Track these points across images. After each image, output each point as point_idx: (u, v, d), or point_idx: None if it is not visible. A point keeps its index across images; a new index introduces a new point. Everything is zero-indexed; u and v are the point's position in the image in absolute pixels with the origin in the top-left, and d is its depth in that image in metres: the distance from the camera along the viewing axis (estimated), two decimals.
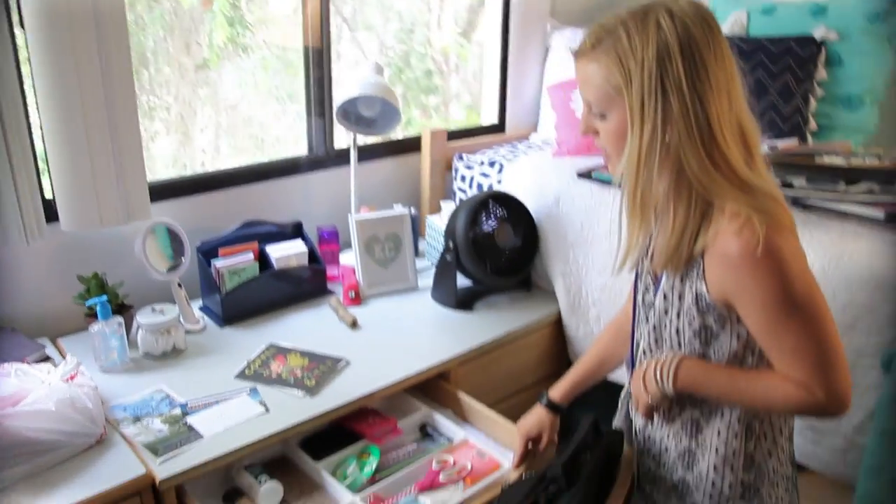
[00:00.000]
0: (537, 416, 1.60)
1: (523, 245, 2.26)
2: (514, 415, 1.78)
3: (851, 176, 2.06)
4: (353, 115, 2.24)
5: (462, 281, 2.24)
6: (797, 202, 2.00)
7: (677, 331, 1.24)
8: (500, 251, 2.21)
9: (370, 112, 2.26)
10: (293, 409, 1.68)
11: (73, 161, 1.81)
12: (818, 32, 2.50)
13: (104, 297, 1.78)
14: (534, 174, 2.35)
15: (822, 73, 2.51)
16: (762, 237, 1.06)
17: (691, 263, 1.18)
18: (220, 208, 2.23)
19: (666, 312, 1.25)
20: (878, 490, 1.67)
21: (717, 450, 1.27)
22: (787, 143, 2.32)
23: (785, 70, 2.45)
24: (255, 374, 1.81)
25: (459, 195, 2.59)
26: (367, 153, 2.49)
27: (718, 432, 1.27)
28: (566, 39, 2.83)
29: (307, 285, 2.19)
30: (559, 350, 2.29)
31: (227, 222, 2.18)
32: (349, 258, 2.32)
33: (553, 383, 1.60)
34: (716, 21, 1.11)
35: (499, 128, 2.93)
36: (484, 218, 2.20)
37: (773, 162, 2.07)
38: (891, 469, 1.66)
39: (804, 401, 1.13)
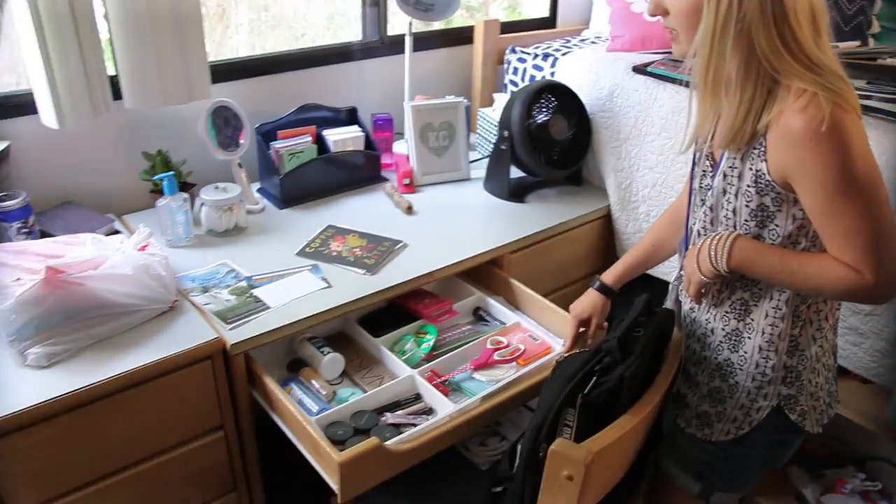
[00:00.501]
0: (590, 299, 1.66)
1: (576, 138, 2.25)
2: (562, 305, 1.84)
3: None
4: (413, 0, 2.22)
5: (514, 173, 2.25)
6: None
7: (734, 210, 1.26)
8: (554, 143, 2.21)
9: None
10: (354, 285, 1.74)
11: (137, 39, 1.82)
12: None
13: (171, 173, 1.83)
14: (588, 67, 2.32)
15: None
16: (827, 114, 1.08)
17: (753, 142, 1.19)
18: (276, 92, 2.25)
19: (724, 192, 1.27)
20: None
21: (763, 331, 1.31)
22: (848, 44, 2.27)
23: None
24: (316, 252, 1.86)
25: (511, 88, 2.58)
26: (419, 42, 2.46)
27: (766, 314, 1.30)
28: None
29: (362, 171, 2.22)
30: (607, 245, 2.31)
31: (283, 106, 2.19)
32: (402, 146, 2.33)
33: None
34: None
35: (550, 21, 2.88)
36: (539, 109, 2.20)
37: None
38: None
39: (854, 283, 1.15)
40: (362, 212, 2.09)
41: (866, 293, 1.17)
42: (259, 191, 2.15)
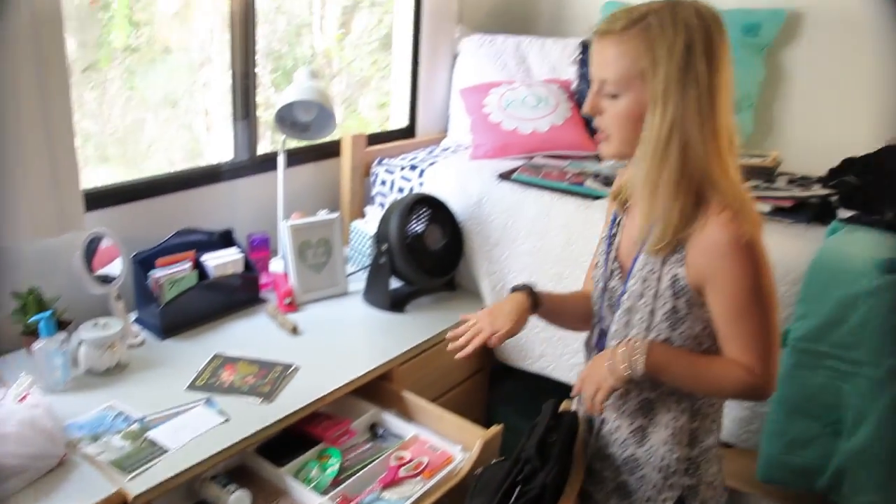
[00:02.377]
0: (509, 307, 1.54)
1: (449, 245, 2.36)
2: (451, 407, 1.93)
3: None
4: (288, 120, 2.27)
5: (392, 283, 2.32)
6: None
7: (651, 312, 1.33)
8: (430, 252, 2.31)
9: (307, 117, 2.30)
10: (252, 415, 1.72)
11: (2, 168, 1.75)
12: None
13: (47, 313, 1.74)
14: (455, 176, 2.46)
15: None
16: (748, 231, 1.20)
17: (675, 248, 1.28)
18: (148, 218, 2.20)
19: (641, 296, 1.34)
20: (778, 451, 1.91)
21: (667, 425, 1.39)
22: None
23: None
24: (207, 384, 1.82)
25: (380, 200, 2.67)
26: (288, 158, 2.50)
27: (669, 409, 1.39)
28: (474, 45, 2.96)
29: (242, 294, 2.21)
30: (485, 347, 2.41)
31: (156, 232, 2.16)
32: (279, 265, 2.35)
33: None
34: (726, 28, 1.23)
35: (409, 131, 3.02)
36: (414, 220, 2.29)
37: None
38: (789, 432, 1.90)
39: (747, 384, 1.27)
40: (247, 336, 2.07)
41: (757, 392, 1.30)
42: (136, 321, 2.08)
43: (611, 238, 1.45)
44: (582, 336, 2.03)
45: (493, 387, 2.60)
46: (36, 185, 1.81)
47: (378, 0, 2.73)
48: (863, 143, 2.41)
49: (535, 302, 1.54)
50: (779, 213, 2.12)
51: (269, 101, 2.55)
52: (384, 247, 2.23)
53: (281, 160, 2.33)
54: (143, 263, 2.05)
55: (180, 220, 2.25)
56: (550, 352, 2.30)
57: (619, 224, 1.43)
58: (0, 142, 1.73)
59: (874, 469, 1.80)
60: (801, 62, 2.81)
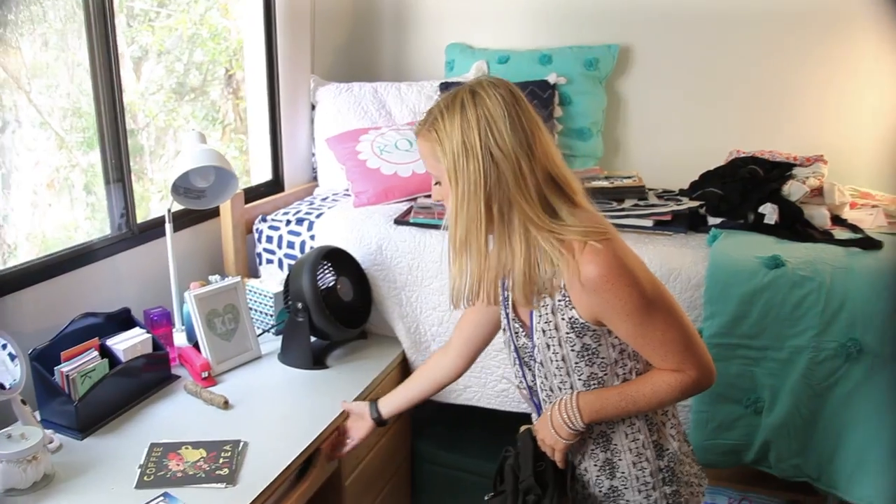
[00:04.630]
0: (366, 428, 1.89)
1: (359, 295, 2.34)
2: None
3: (616, 195, 2.51)
4: (182, 188, 2.13)
5: None
6: None
7: (563, 358, 1.42)
8: (343, 304, 2.27)
9: (204, 182, 2.17)
10: (222, 502, 1.59)
11: None
12: (551, 77, 2.97)
13: None
14: (348, 226, 2.44)
15: (558, 111, 2.98)
16: (609, 256, 1.30)
17: (556, 296, 1.38)
18: (26, 309, 1.96)
19: (548, 347, 1.44)
20: (706, 437, 2.11)
21: (629, 449, 1.49)
22: None
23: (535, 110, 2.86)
24: (158, 478, 1.66)
25: (267, 257, 2.57)
26: (157, 226, 2.35)
27: (625, 435, 1.48)
28: (331, 94, 2.96)
29: (154, 375, 2.03)
30: None
31: (34, 324, 1.95)
32: (181, 338, 2.20)
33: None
34: (517, 93, 1.36)
35: (276, 184, 2.94)
36: (320, 275, 2.25)
37: None
38: (715, 418, 2.10)
39: (684, 384, 1.39)
40: (175, 419, 1.91)
41: (696, 386, 1.41)
42: (42, 423, 1.84)
43: (504, 300, 1.54)
44: (503, 362, 2.16)
45: (415, 427, 2.63)
46: None
47: (167, 48, 2.63)
48: (694, 155, 2.75)
49: (380, 421, 1.87)
50: (660, 225, 2.33)
51: (82, 165, 2.33)
52: (299, 305, 2.16)
53: (169, 228, 2.18)
54: (41, 359, 1.83)
55: (63, 306, 2.03)
56: (475, 382, 2.34)
57: (507, 287, 1.51)
58: None
59: (794, 436, 2.04)
60: (634, 89, 3.12)
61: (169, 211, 2.16)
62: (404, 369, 2.39)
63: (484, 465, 2.55)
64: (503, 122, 1.31)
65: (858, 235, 2.23)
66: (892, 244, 2.18)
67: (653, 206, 2.44)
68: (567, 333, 1.39)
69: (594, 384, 1.43)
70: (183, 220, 2.47)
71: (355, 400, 2.02)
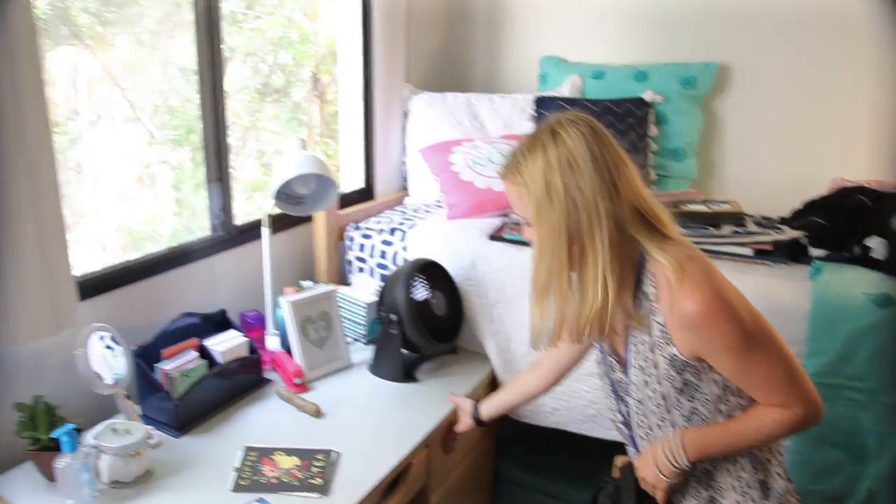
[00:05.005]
0: (467, 423, 1.96)
1: (451, 309, 2.32)
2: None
3: (713, 220, 2.43)
4: (282, 193, 2.15)
5: None
6: None
7: (663, 396, 1.37)
8: (437, 319, 2.25)
9: (305, 189, 2.19)
10: None
11: None
12: (647, 95, 2.90)
13: (70, 427, 1.53)
14: (441, 239, 2.42)
15: (653, 129, 2.91)
16: (707, 291, 1.26)
17: (654, 332, 1.34)
18: (129, 304, 2.00)
19: (646, 384, 1.38)
20: (806, 482, 2.01)
21: (733, 487, 1.42)
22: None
23: (629, 129, 2.81)
24: (253, 483, 1.66)
25: (358, 265, 2.57)
26: (257, 229, 2.36)
27: (729, 472, 1.42)
28: (425, 103, 2.96)
29: (248, 378, 2.04)
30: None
31: (141, 319, 1.99)
32: (274, 342, 2.21)
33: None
34: (598, 129, 1.33)
35: (366, 192, 2.95)
36: (415, 287, 2.23)
37: None
38: (815, 462, 2.00)
39: (791, 420, 1.32)
40: (269, 424, 1.91)
41: (803, 423, 1.34)
42: (142, 419, 1.87)
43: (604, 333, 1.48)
44: (594, 386, 2.12)
45: (499, 450, 2.60)
46: (29, 279, 1.60)
47: (251, 50, 2.64)
48: (794, 180, 2.64)
49: (480, 421, 1.92)
50: (760, 255, 2.25)
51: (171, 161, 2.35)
52: (393, 317, 2.15)
53: (266, 233, 2.20)
54: (143, 355, 1.86)
55: (161, 304, 2.07)
56: (563, 405, 2.29)
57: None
58: None
59: None
60: (732, 109, 3.03)
61: (269, 216, 2.17)
62: (493, 387, 2.35)
63: (567, 491, 2.50)
64: (585, 161, 1.29)
65: None
66: None
67: (752, 233, 2.35)
68: (667, 370, 1.34)
69: (696, 420, 1.38)
70: (276, 224, 2.48)
71: (448, 415, 2.01)
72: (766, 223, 2.48)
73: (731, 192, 2.89)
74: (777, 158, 2.99)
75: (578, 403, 2.27)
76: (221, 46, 2.21)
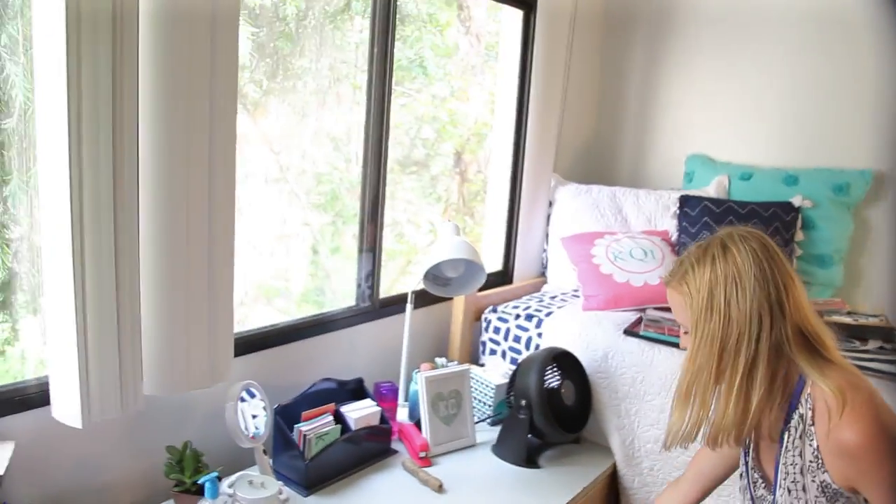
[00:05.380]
0: None
1: (580, 400, 2.31)
2: None
3: (859, 333, 2.31)
4: (431, 274, 2.25)
5: None
6: None
7: None
8: (565, 408, 2.25)
9: (454, 273, 2.29)
10: None
11: (169, 311, 1.68)
12: (796, 200, 2.83)
13: (215, 474, 1.64)
14: (577, 329, 2.43)
15: (799, 234, 2.83)
16: (871, 423, 1.21)
17: (808, 455, 1.30)
18: (273, 365, 2.13)
19: None
20: None
21: None
22: None
23: (775, 232, 2.74)
24: None
25: (491, 347, 2.62)
26: (399, 305, 2.46)
27: None
28: (570, 194, 3.02)
29: (375, 446, 2.11)
30: (614, 501, 2.33)
31: (282, 380, 2.11)
32: (404, 414, 2.27)
33: None
34: (770, 246, 1.34)
35: (504, 275, 3.01)
36: (548, 375, 2.24)
37: None
38: None
39: None
40: (391, 493, 1.96)
41: None
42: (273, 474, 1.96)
43: (746, 448, 1.48)
44: (720, 494, 2.02)
45: None
46: (196, 334, 1.75)
47: (398, 123, 2.70)
48: None
49: None
50: None
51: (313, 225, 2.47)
52: (523, 402, 2.16)
53: (409, 308, 2.29)
54: (283, 414, 1.96)
55: (303, 367, 2.20)
56: None
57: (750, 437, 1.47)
58: (168, 282, 1.68)
59: None
60: (885, 217, 2.90)
61: (413, 293, 2.27)
62: (614, 481, 2.31)
63: None
64: (750, 279, 1.30)
65: None
66: None
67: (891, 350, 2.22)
68: (816, 496, 1.30)
69: None
70: (417, 299, 2.58)
71: None
72: None
73: (876, 302, 2.75)
74: None
75: None
76: (389, 119, 2.36)
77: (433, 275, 2.26)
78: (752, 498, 1.46)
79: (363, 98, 2.34)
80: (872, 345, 2.24)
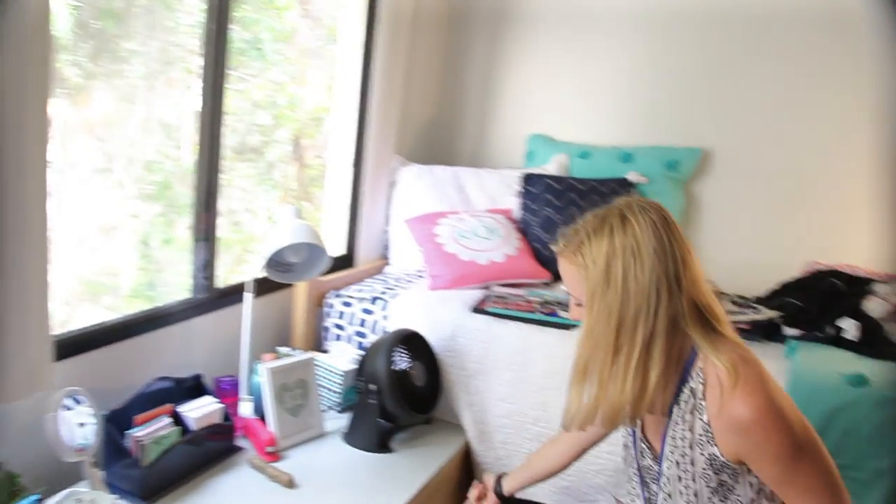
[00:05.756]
0: (492, 499, 1.80)
1: (430, 380, 2.30)
2: None
3: None
4: (273, 260, 2.14)
5: None
6: None
7: (695, 493, 1.32)
8: (415, 388, 2.22)
9: (296, 258, 2.18)
10: None
11: None
12: (631, 176, 2.96)
13: (36, 496, 1.48)
14: (423, 310, 2.41)
15: None
16: (762, 399, 1.21)
17: (697, 430, 1.30)
18: (98, 368, 1.96)
19: (680, 479, 1.34)
20: None
21: None
22: None
23: None
24: None
25: (336, 332, 2.55)
26: (237, 294, 2.34)
27: None
28: (413, 175, 2.99)
29: (219, 445, 1.99)
30: (467, 478, 2.35)
31: (112, 383, 1.94)
32: (247, 409, 2.16)
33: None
34: (669, 218, 1.32)
35: (347, 259, 2.95)
36: (395, 357, 2.21)
37: None
38: None
39: None
40: (239, 494, 1.85)
41: None
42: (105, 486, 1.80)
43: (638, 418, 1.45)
44: None
45: None
46: (6, 336, 1.57)
47: (232, 111, 2.51)
48: (769, 262, 2.70)
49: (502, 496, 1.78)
50: (738, 335, 2.26)
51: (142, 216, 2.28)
52: (372, 387, 2.12)
53: (248, 298, 2.18)
54: (115, 420, 1.81)
55: (136, 366, 2.03)
56: None
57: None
58: None
59: None
60: (712, 192, 3.10)
61: (254, 280, 2.16)
62: (468, 458, 2.33)
63: None
64: (650, 252, 1.27)
65: None
66: None
67: (729, 312, 2.37)
68: (704, 469, 1.30)
69: None
70: (258, 288, 2.46)
71: (423, 487, 1.98)
72: (742, 303, 2.51)
73: (707, 272, 2.92)
74: (753, 241, 3.05)
75: None
76: (221, 105, 2.22)
77: (275, 261, 2.15)
78: (638, 468, 1.47)
79: (196, 83, 2.18)
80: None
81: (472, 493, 1.81)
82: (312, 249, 2.20)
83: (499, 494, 1.80)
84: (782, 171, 2.97)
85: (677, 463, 1.33)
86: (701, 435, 1.28)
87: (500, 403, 2.29)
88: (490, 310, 2.36)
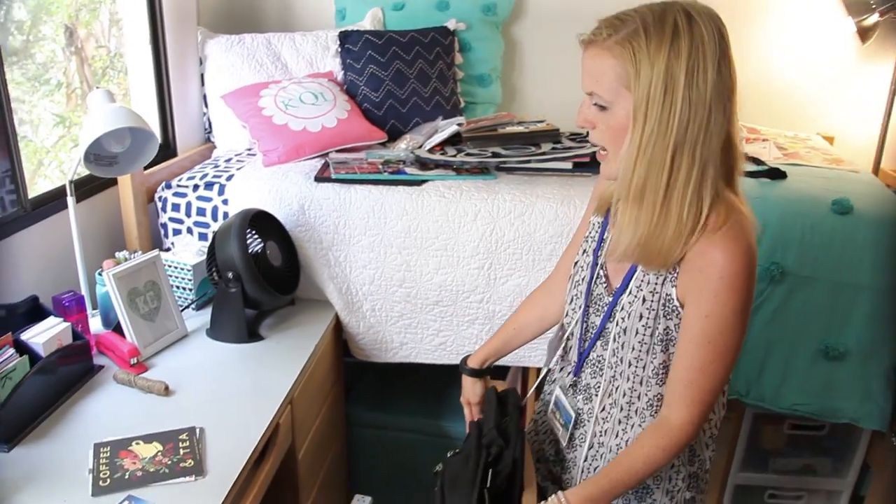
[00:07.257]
0: (469, 384, 1.66)
1: (287, 258, 2.21)
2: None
3: (533, 139, 2.51)
4: (91, 154, 1.90)
5: None
6: (502, 168, 2.35)
7: (651, 334, 1.27)
8: (274, 270, 2.13)
9: (119, 147, 1.94)
10: (197, 497, 1.46)
11: None
12: (450, 23, 2.90)
13: None
14: (263, 188, 2.28)
15: (458, 58, 2.92)
16: (742, 251, 1.15)
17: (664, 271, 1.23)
18: None
19: (641, 316, 1.27)
20: None
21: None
22: (457, 120, 2.65)
23: (437, 58, 2.79)
24: (115, 481, 1.50)
25: (174, 227, 2.37)
26: (59, 202, 2.09)
27: None
28: (222, 47, 2.74)
29: (76, 368, 1.83)
30: (343, 353, 2.35)
31: None
32: (96, 323, 1.99)
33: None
34: (725, 30, 1.14)
35: (166, 148, 2.70)
36: (248, 240, 2.10)
37: (468, 138, 2.42)
38: None
39: (676, 444, 1.24)
40: (112, 414, 1.72)
41: (682, 445, 1.25)
42: None
43: (599, 244, 1.39)
44: (439, 315, 2.10)
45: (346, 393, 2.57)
46: None
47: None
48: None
49: (481, 372, 1.64)
50: (578, 167, 2.36)
51: None
52: (230, 275, 2.01)
53: (71, 203, 1.95)
54: None
55: None
56: (411, 339, 2.30)
57: (608, 229, 1.37)
58: None
59: None
60: (529, 35, 3.12)
61: (71, 182, 1.92)
62: (338, 332, 2.31)
63: (420, 422, 2.55)
64: (712, 62, 1.10)
65: (764, 167, 2.35)
66: (793, 173, 2.31)
67: (569, 148, 2.45)
68: (657, 311, 1.25)
69: (662, 373, 1.30)
70: (80, 191, 2.21)
71: (303, 368, 1.96)
72: (578, 138, 2.59)
73: (533, 113, 2.98)
74: (571, 79, 3.11)
75: (426, 334, 2.29)
76: None
77: (94, 154, 1.92)
78: (588, 292, 1.38)
79: None
80: (546, 147, 2.42)
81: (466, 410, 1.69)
82: (136, 133, 1.97)
83: (473, 372, 1.64)
84: (597, 12, 3.01)
85: (643, 299, 1.26)
86: (670, 272, 1.23)
87: (362, 271, 2.25)
88: (335, 176, 2.27)
